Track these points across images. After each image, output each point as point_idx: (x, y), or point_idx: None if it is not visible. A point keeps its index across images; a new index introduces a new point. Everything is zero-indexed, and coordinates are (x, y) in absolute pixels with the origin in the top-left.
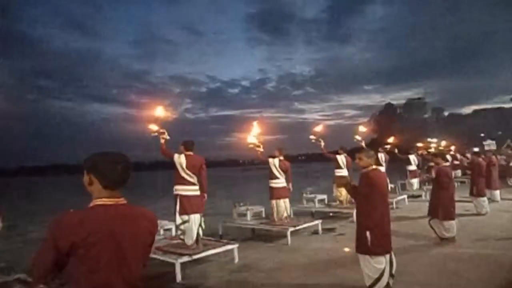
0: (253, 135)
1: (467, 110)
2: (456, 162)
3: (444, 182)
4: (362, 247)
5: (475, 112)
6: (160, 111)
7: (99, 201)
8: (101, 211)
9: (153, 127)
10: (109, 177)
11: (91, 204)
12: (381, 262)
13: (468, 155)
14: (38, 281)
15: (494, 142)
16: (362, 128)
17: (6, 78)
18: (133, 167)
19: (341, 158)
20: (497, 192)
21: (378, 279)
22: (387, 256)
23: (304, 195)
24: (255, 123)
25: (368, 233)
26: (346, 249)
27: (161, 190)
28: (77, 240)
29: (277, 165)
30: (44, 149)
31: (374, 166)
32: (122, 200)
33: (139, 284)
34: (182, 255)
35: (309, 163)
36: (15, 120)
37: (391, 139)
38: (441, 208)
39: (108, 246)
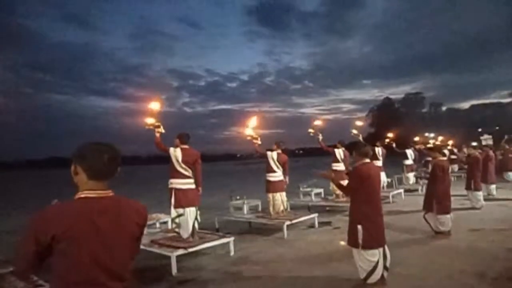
0: (251, 128)
1: (465, 105)
2: (453, 157)
3: (438, 175)
4: (354, 241)
5: (473, 107)
6: (155, 105)
7: (83, 193)
8: (84, 203)
9: (149, 120)
10: (94, 167)
11: (76, 196)
12: (375, 255)
13: (465, 150)
14: (23, 274)
15: (491, 136)
16: (358, 123)
17: (2, 71)
18: (131, 161)
19: (339, 152)
20: (493, 186)
21: (371, 272)
22: (381, 249)
23: (301, 189)
24: (254, 117)
25: (359, 227)
26: (342, 243)
27: (157, 183)
28: (58, 233)
29: (275, 158)
30: (41, 143)
31: (366, 160)
32: (109, 192)
33: (126, 277)
34: (177, 248)
35: (307, 157)
36: (11, 113)
37: (390, 134)
38: (435, 202)
39: (91, 239)
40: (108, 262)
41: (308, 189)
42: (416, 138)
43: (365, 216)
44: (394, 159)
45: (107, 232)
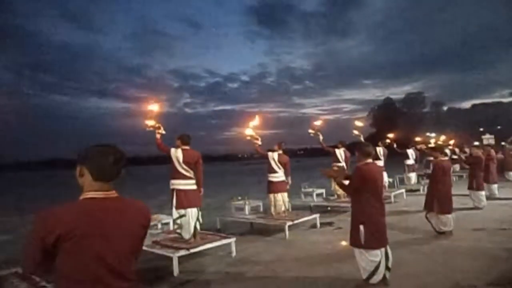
0: (251, 128)
1: (466, 104)
2: (455, 157)
3: (438, 175)
4: (356, 241)
5: (474, 106)
6: (155, 106)
7: (88, 194)
8: (89, 204)
9: (149, 121)
10: (99, 168)
11: (81, 197)
12: (377, 255)
13: (467, 150)
14: (31, 273)
15: (492, 136)
16: (359, 123)
17: (3, 72)
18: (132, 162)
19: (340, 152)
20: (495, 186)
21: (373, 272)
22: (383, 249)
23: (303, 189)
24: (254, 117)
25: (361, 227)
26: (344, 243)
27: (157, 184)
28: (63, 233)
29: (276, 159)
30: (41, 143)
31: (368, 160)
32: (113, 193)
33: (130, 277)
34: (179, 249)
35: (308, 158)
36: (12, 114)
37: (391, 134)
38: (436, 201)
39: (96, 239)
40: (113, 262)
41: (310, 190)
42: (418, 138)
43: (368, 216)
44: (395, 159)
45: (112, 232)
